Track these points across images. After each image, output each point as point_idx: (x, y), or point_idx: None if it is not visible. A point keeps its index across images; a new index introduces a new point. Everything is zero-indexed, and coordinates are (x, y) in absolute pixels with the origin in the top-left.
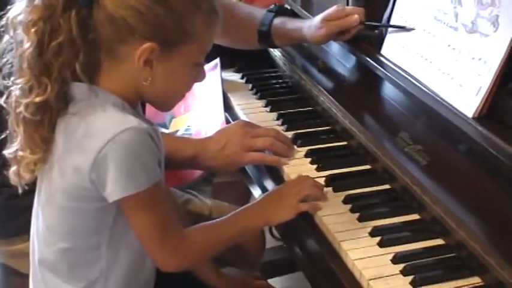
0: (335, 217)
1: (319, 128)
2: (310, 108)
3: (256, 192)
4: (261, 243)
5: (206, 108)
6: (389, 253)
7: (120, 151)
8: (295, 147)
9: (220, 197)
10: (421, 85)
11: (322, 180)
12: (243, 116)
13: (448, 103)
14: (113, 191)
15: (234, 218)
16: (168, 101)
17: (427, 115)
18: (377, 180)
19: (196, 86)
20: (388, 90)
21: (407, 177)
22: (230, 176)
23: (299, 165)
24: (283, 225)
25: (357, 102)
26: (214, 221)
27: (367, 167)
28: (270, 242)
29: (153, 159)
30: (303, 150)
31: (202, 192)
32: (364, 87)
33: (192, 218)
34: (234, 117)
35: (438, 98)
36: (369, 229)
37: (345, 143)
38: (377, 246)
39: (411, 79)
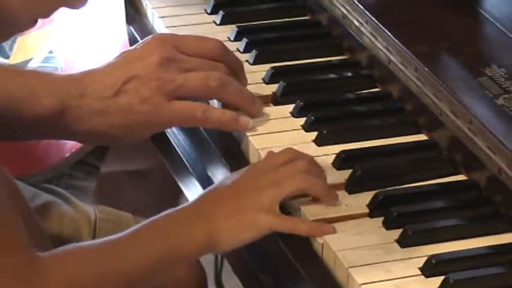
0: (353, 239)
1: (327, 59)
2: (305, 19)
3: (190, 188)
4: None
5: (87, 16)
6: None
7: None
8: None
9: (114, 201)
10: None
11: (328, 163)
12: (164, 30)
13: None
14: None
15: (144, 236)
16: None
17: None
18: (440, 166)
19: None
20: None
21: (503, 161)
22: (135, 159)
23: (283, 133)
24: (242, 257)
25: (408, 15)
26: (103, 239)
27: (421, 137)
28: None
29: None
30: (290, 105)
31: (78, 191)
32: None
33: (56, 240)
34: (146, 32)
35: None
36: (422, 261)
37: (377, 89)
38: None
39: None
